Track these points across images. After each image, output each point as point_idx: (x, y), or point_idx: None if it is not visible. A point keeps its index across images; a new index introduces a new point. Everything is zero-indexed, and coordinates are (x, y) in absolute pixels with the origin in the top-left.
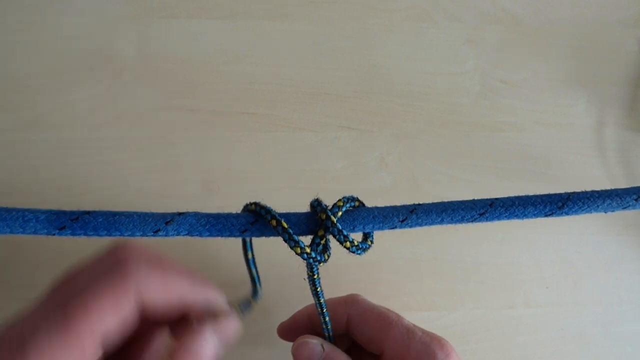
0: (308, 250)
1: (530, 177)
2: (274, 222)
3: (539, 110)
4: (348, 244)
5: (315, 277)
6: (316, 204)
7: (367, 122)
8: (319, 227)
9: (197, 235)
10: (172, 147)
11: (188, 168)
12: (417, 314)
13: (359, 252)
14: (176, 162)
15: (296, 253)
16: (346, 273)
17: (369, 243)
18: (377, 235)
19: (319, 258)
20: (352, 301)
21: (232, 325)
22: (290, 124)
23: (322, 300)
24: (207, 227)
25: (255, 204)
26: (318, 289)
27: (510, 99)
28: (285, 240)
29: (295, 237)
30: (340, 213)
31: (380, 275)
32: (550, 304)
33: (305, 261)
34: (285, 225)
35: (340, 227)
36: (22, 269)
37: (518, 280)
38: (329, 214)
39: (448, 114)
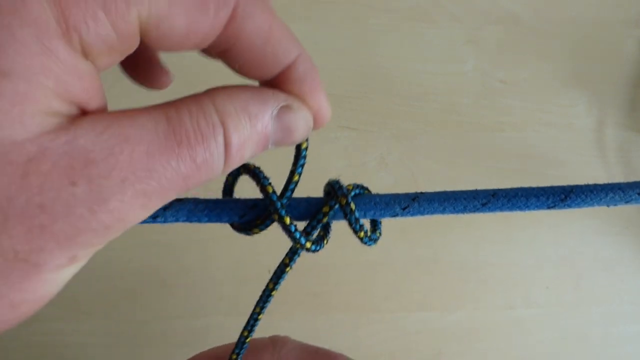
0: (309, 245)
1: (530, 177)
2: (271, 209)
3: (539, 110)
4: (362, 234)
5: (288, 269)
6: (337, 186)
7: (367, 122)
8: (329, 207)
9: (195, 220)
10: None
11: None
12: (417, 314)
13: (370, 242)
14: None
15: (290, 238)
16: (346, 273)
17: (378, 234)
18: None
19: (313, 248)
20: None
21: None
22: None
23: (260, 315)
24: (206, 212)
25: (248, 168)
26: (273, 293)
27: (510, 99)
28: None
29: (297, 235)
30: (352, 193)
31: (380, 275)
32: (551, 304)
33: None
34: (284, 217)
35: (353, 208)
36: None
37: (518, 280)
38: (349, 199)
39: (448, 114)
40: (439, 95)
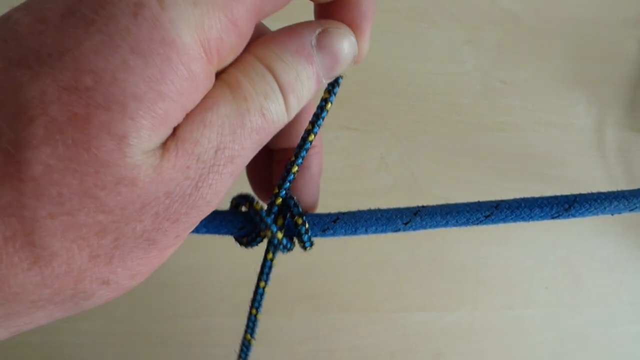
0: (280, 235)
1: (530, 177)
2: (247, 205)
3: (539, 110)
4: (309, 249)
5: (273, 262)
6: (292, 202)
7: (367, 122)
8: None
9: (194, 232)
10: None
11: None
12: (416, 315)
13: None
14: None
15: (267, 236)
16: (345, 274)
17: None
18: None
19: (284, 243)
20: None
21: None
22: None
23: (257, 314)
24: (204, 223)
25: (242, 196)
26: (265, 289)
27: (510, 99)
28: (257, 223)
29: (268, 221)
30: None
31: (380, 276)
32: (550, 305)
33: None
34: (257, 207)
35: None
36: None
37: (517, 280)
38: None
39: (448, 114)
40: (439, 95)
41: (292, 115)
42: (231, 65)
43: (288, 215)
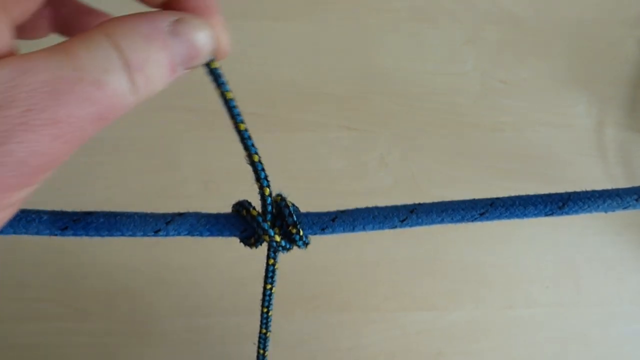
0: (278, 238)
1: (530, 177)
2: (244, 212)
3: (539, 110)
4: (306, 247)
5: (276, 266)
6: (287, 212)
7: (367, 122)
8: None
9: (197, 235)
10: (172, 147)
11: (188, 168)
12: (417, 314)
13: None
14: (176, 162)
15: (265, 240)
16: (345, 273)
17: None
18: (377, 234)
19: (283, 244)
20: None
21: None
22: (290, 124)
23: (269, 312)
24: (208, 227)
25: (239, 203)
26: (273, 290)
27: (510, 99)
28: (255, 228)
29: (265, 226)
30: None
31: (380, 275)
32: (550, 304)
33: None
34: (254, 213)
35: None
36: (22, 268)
37: (518, 280)
38: (288, 211)
39: (448, 114)
40: (439, 95)
41: (141, 95)
42: (76, 37)
43: (284, 224)
